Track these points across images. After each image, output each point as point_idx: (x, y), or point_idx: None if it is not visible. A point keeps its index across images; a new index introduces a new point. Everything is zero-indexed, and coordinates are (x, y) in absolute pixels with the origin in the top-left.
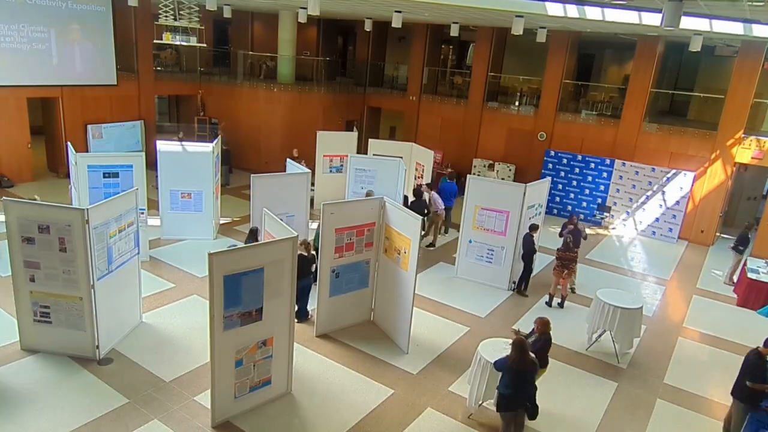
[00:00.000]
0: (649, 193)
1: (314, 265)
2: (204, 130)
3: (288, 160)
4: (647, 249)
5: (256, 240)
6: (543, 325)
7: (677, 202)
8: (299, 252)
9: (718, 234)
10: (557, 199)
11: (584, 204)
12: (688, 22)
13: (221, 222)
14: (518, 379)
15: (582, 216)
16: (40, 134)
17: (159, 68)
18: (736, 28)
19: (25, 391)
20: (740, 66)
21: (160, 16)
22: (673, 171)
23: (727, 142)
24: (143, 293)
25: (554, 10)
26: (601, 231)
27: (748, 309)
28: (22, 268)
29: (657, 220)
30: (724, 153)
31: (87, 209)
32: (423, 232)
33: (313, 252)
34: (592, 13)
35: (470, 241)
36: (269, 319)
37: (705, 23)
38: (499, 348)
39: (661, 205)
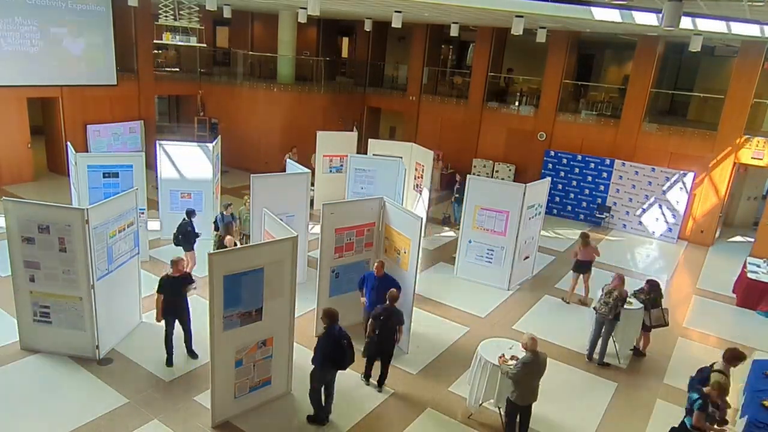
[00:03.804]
0: (648, 194)
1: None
2: (204, 131)
3: (287, 160)
4: (647, 249)
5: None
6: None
7: (677, 202)
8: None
9: (718, 234)
10: (557, 199)
11: (584, 204)
12: (687, 22)
13: None
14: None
15: (582, 216)
16: (39, 134)
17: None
18: (735, 27)
19: (24, 391)
20: (740, 66)
21: (160, 16)
22: (673, 171)
23: (726, 142)
24: (143, 293)
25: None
26: (600, 232)
27: (748, 309)
28: (22, 268)
29: (657, 220)
30: (724, 153)
31: (87, 209)
32: None
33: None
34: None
35: (470, 241)
36: (269, 319)
37: (705, 23)
38: (502, 348)
39: (660, 205)
